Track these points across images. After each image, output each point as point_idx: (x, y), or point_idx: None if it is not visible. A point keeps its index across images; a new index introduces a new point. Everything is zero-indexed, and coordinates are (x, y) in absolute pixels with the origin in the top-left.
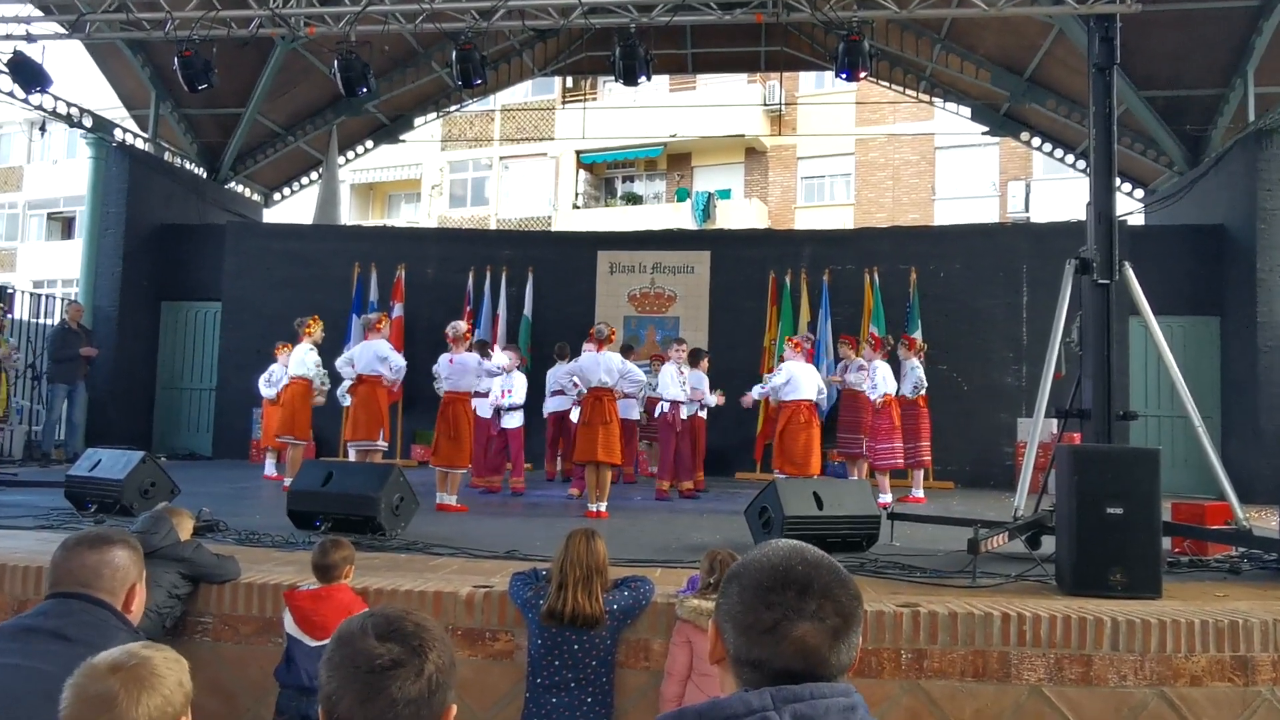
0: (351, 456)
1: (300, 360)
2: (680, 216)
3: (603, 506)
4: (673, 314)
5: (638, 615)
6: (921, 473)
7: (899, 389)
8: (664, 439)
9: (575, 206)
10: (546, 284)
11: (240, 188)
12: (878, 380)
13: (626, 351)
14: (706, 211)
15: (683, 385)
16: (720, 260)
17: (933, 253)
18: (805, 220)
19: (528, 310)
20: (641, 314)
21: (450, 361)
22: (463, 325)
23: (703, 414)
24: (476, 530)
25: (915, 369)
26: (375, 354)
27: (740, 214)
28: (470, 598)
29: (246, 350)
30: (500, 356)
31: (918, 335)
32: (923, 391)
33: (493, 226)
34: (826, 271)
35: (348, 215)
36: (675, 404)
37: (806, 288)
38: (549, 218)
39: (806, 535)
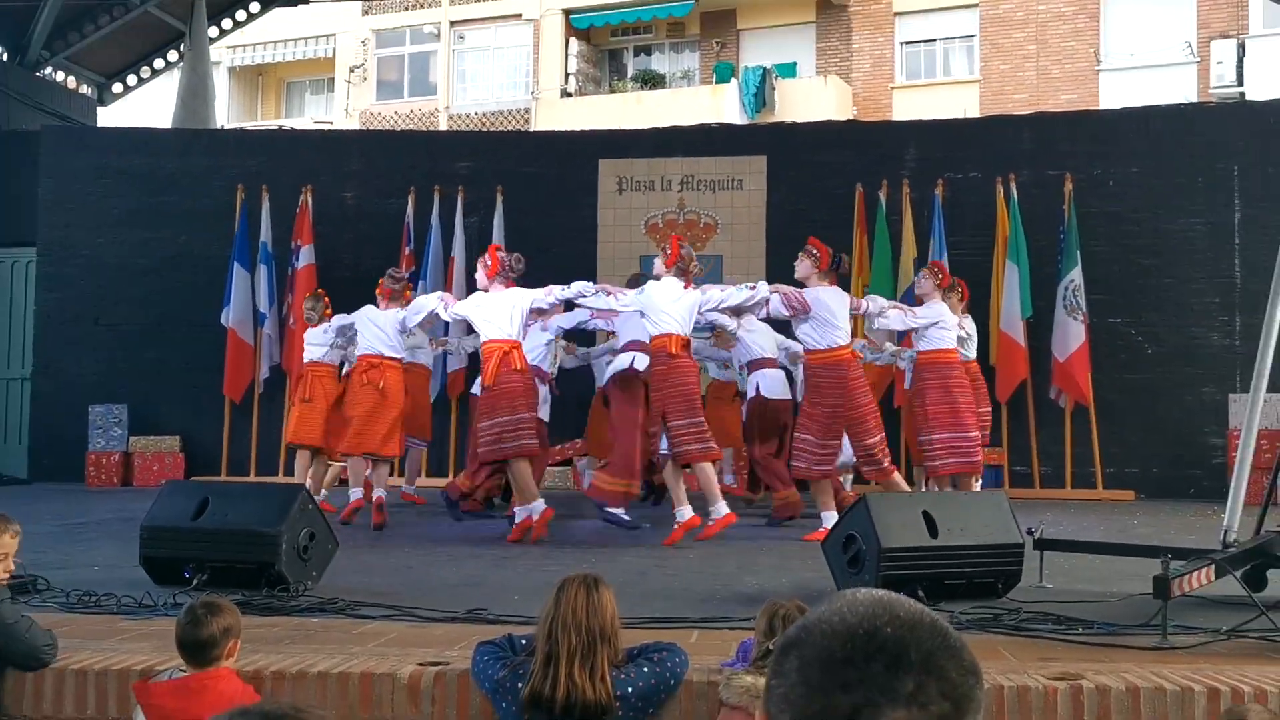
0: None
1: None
2: (722, 105)
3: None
4: (713, 250)
5: (664, 701)
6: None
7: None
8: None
9: (566, 94)
10: (524, 210)
11: (61, 76)
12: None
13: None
14: (761, 97)
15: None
16: (783, 169)
17: (1098, 151)
18: (907, 107)
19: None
20: None
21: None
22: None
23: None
24: (423, 579)
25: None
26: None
27: (811, 100)
28: (415, 680)
29: (77, 319)
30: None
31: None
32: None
33: (443, 126)
34: (940, 182)
35: (225, 114)
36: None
37: (911, 206)
38: (527, 112)
39: (916, 576)
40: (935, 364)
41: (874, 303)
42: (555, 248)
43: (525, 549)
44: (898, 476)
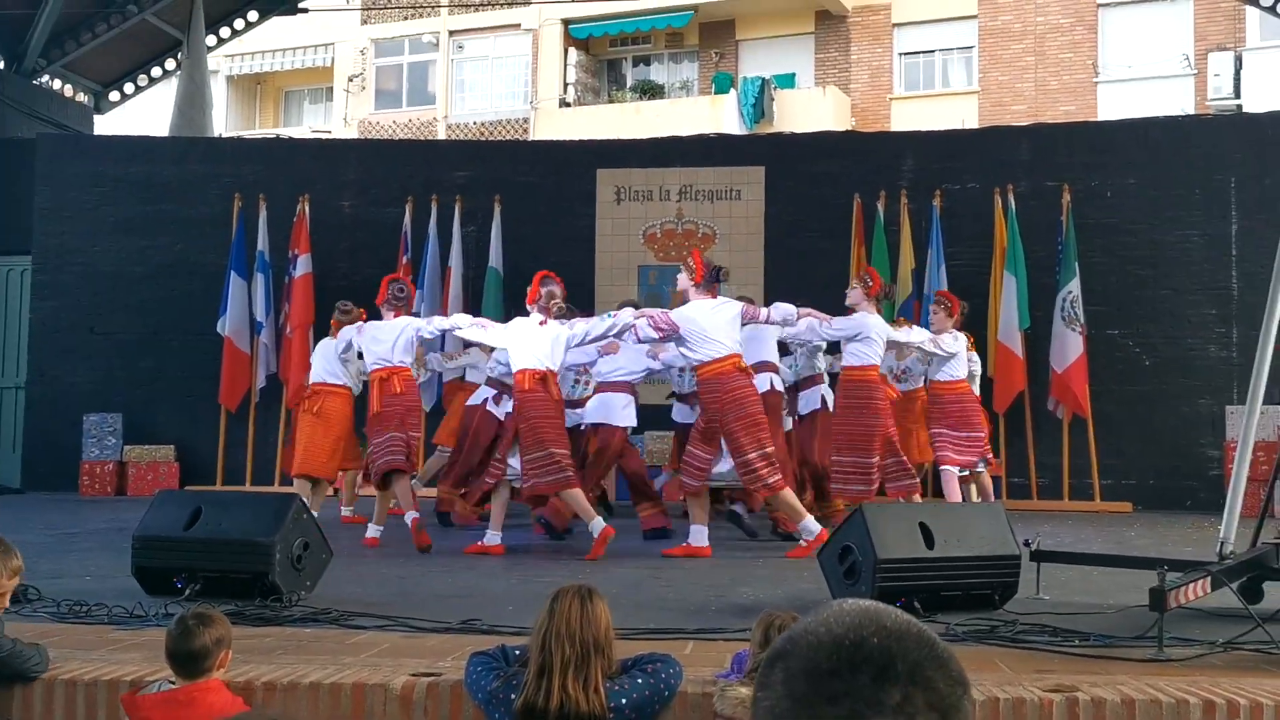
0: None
1: None
2: (720, 115)
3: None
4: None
5: (658, 712)
6: None
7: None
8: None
9: (564, 104)
10: (522, 220)
11: (57, 84)
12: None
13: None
14: (760, 108)
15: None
16: (780, 180)
17: (1096, 162)
18: (906, 117)
19: (495, 259)
20: (664, 262)
21: None
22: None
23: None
24: (417, 589)
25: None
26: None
27: (810, 110)
28: (408, 691)
29: (73, 327)
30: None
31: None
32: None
33: (441, 135)
34: (938, 193)
35: (223, 123)
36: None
37: (909, 217)
38: (525, 121)
39: (912, 587)
40: (854, 382)
41: (778, 310)
42: (553, 257)
43: (520, 559)
44: (789, 493)
